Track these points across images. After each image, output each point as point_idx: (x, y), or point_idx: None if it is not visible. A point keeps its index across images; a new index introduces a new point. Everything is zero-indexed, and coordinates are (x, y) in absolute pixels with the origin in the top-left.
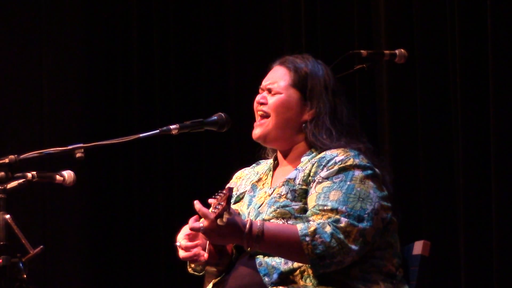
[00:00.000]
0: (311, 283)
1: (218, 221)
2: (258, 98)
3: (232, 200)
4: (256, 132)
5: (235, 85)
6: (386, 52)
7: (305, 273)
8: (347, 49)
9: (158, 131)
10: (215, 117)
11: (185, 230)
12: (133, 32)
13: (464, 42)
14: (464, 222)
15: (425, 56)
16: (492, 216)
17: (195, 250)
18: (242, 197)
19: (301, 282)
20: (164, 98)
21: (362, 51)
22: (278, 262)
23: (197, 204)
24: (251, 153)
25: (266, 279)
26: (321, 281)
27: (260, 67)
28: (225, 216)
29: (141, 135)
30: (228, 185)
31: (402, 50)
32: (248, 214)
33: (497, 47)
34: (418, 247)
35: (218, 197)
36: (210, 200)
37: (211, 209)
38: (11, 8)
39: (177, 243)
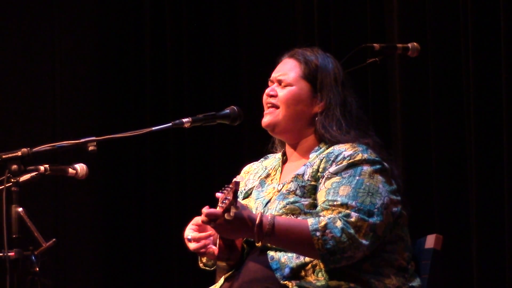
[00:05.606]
0: (323, 278)
1: (226, 215)
2: (267, 90)
3: (241, 195)
4: (266, 120)
5: (247, 79)
6: (399, 45)
7: (317, 267)
8: (359, 42)
9: (170, 124)
10: (228, 111)
11: (191, 225)
12: (146, 25)
13: (477, 35)
14: (477, 216)
15: (438, 50)
16: (504, 210)
17: (204, 240)
18: (250, 193)
19: (313, 277)
20: (177, 91)
21: (374, 44)
22: (289, 257)
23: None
24: (263, 146)
25: (278, 273)
26: (333, 275)
27: (273, 60)
28: (232, 211)
29: (153, 128)
30: (234, 179)
31: (415, 43)
32: (256, 209)
33: (510, 41)
34: (430, 241)
35: (225, 191)
36: (218, 194)
37: (218, 203)
38: (24, 2)
39: (189, 236)
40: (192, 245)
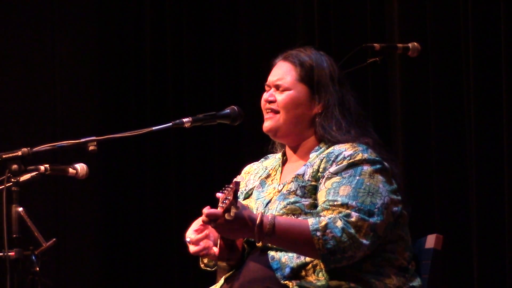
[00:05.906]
0: (323, 277)
1: (226, 215)
2: (265, 96)
3: (241, 196)
4: (267, 125)
5: (247, 78)
6: (399, 45)
7: (318, 267)
8: (360, 42)
9: (171, 124)
10: (228, 110)
11: (193, 226)
12: (146, 25)
13: (477, 35)
14: (477, 216)
15: (438, 50)
16: (504, 209)
17: (204, 243)
18: (251, 193)
19: (314, 277)
20: (177, 91)
21: (375, 44)
22: (290, 257)
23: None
24: (263, 146)
25: (278, 273)
26: (333, 275)
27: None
28: (233, 211)
29: (153, 128)
30: (235, 179)
31: (415, 43)
32: (256, 209)
33: (510, 41)
34: (430, 241)
35: (225, 191)
36: (218, 194)
37: (218, 203)
38: (24, 2)
39: (187, 239)
40: (192, 248)
